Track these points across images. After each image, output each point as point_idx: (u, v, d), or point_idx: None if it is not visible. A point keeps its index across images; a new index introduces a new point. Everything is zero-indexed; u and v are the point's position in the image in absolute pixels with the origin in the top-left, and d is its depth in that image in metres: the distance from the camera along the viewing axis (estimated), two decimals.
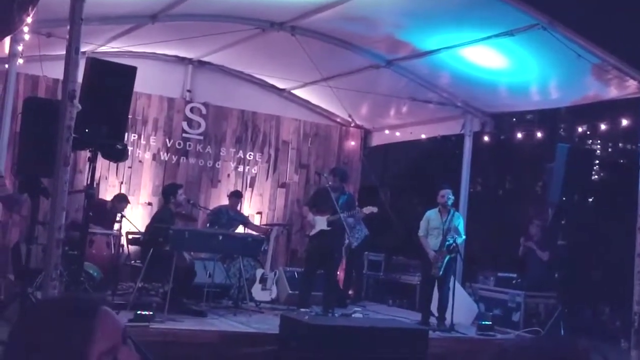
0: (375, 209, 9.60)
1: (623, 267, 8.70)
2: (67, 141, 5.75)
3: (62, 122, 5.78)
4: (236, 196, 11.02)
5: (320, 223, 9.33)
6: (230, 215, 10.69)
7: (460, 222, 9.23)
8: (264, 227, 11.44)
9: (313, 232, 9.44)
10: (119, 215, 9.65)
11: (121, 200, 10.04)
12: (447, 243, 8.98)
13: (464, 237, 9.17)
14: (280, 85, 12.12)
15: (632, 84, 8.38)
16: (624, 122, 9.56)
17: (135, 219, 10.47)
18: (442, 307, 9.00)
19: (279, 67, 11.06)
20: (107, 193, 10.54)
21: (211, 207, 11.12)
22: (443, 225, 9.04)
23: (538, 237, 10.63)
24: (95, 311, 1.42)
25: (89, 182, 6.81)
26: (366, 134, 13.12)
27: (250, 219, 11.40)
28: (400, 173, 17.35)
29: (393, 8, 8.45)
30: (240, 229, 10.72)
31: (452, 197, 9.19)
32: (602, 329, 10.35)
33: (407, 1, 8.18)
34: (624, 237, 9.12)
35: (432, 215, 9.28)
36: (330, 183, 9.44)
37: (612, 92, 8.88)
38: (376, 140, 13.16)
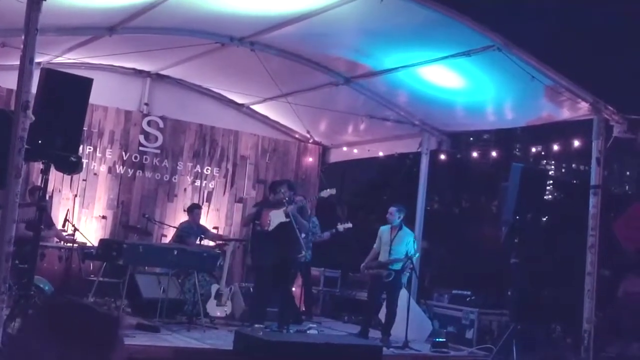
0: (334, 191, 9.74)
1: (574, 285, 8.85)
2: (19, 152, 5.68)
3: (15, 133, 5.71)
4: (196, 208, 10.88)
5: (278, 216, 9.32)
6: (195, 229, 10.52)
7: (409, 239, 9.46)
8: (223, 236, 11.36)
9: (272, 227, 9.40)
10: (71, 227, 9.48)
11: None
12: (391, 257, 9.33)
13: (414, 253, 9.37)
14: (239, 100, 12.10)
15: (583, 105, 8.56)
16: (576, 143, 9.78)
17: (89, 232, 10.32)
18: (389, 322, 9.31)
19: (238, 82, 11.04)
20: (60, 206, 10.37)
21: (166, 222, 11.02)
22: (390, 241, 9.40)
23: None
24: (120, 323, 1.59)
25: (41, 194, 6.70)
26: (324, 151, 13.17)
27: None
28: (357, 190, 17.45)
29: (352, 26, 8.52)
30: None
31: (398, 215, 9.42)
32: (553, 346, 10.48)
33: (366, 20, 8.24)
34: (575, 256, 9.28)
35: (384, 231, 9.64)
36: (299, 198, 9.67)
37: (565, 114, 9.06)
38: (334, 156, 13.22)
